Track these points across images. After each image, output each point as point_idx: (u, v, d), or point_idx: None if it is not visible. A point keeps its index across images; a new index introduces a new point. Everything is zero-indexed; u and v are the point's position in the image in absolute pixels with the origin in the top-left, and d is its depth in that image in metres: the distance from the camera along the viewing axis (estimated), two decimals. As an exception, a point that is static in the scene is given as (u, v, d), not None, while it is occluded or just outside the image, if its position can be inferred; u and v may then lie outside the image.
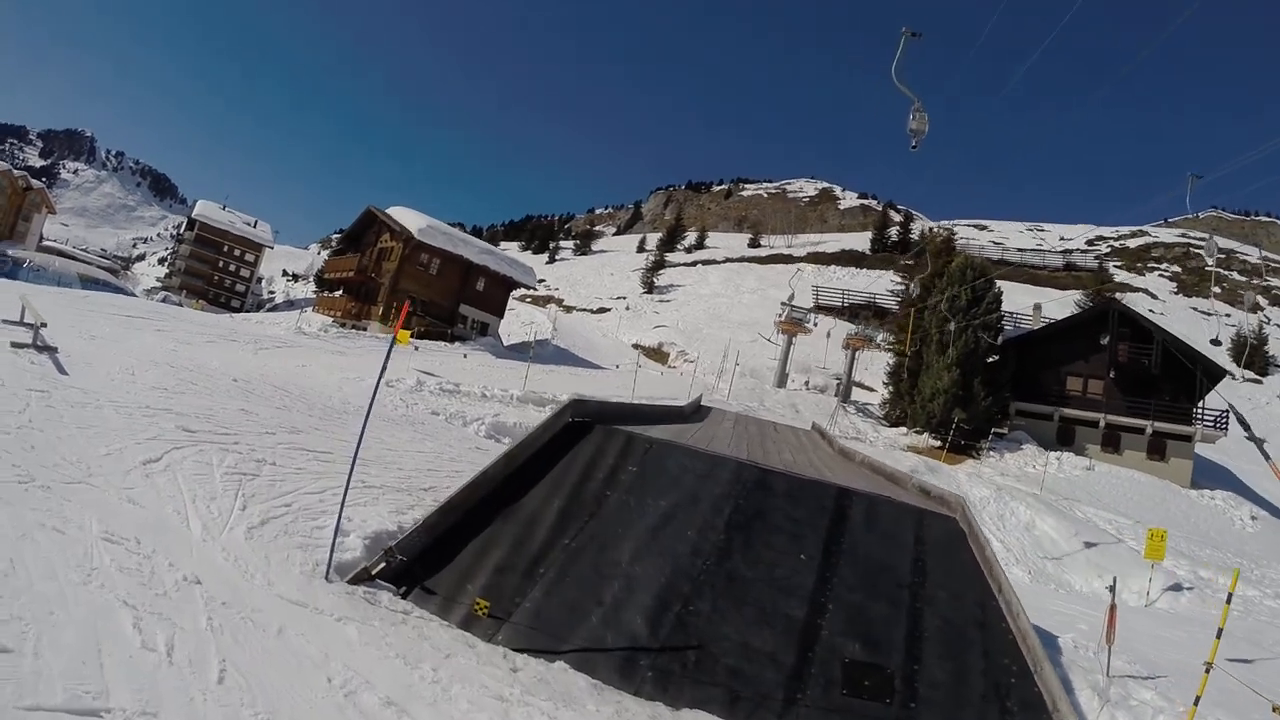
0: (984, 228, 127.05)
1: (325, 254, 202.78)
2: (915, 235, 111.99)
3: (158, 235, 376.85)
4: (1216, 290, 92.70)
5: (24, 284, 34.95)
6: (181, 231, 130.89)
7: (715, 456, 13.43)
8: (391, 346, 10.00)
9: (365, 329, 47.27)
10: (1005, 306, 44.02)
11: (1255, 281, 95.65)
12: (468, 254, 49.25)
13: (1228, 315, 78.87)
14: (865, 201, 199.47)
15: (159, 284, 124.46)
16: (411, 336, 40.85)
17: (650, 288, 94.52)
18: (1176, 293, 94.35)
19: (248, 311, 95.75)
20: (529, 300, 78.86)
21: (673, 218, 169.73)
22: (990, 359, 41.29)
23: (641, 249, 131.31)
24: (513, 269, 52.98)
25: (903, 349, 45.01)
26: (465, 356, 33.60)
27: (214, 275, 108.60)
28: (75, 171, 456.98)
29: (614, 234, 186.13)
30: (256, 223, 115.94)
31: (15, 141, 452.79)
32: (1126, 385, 41.19)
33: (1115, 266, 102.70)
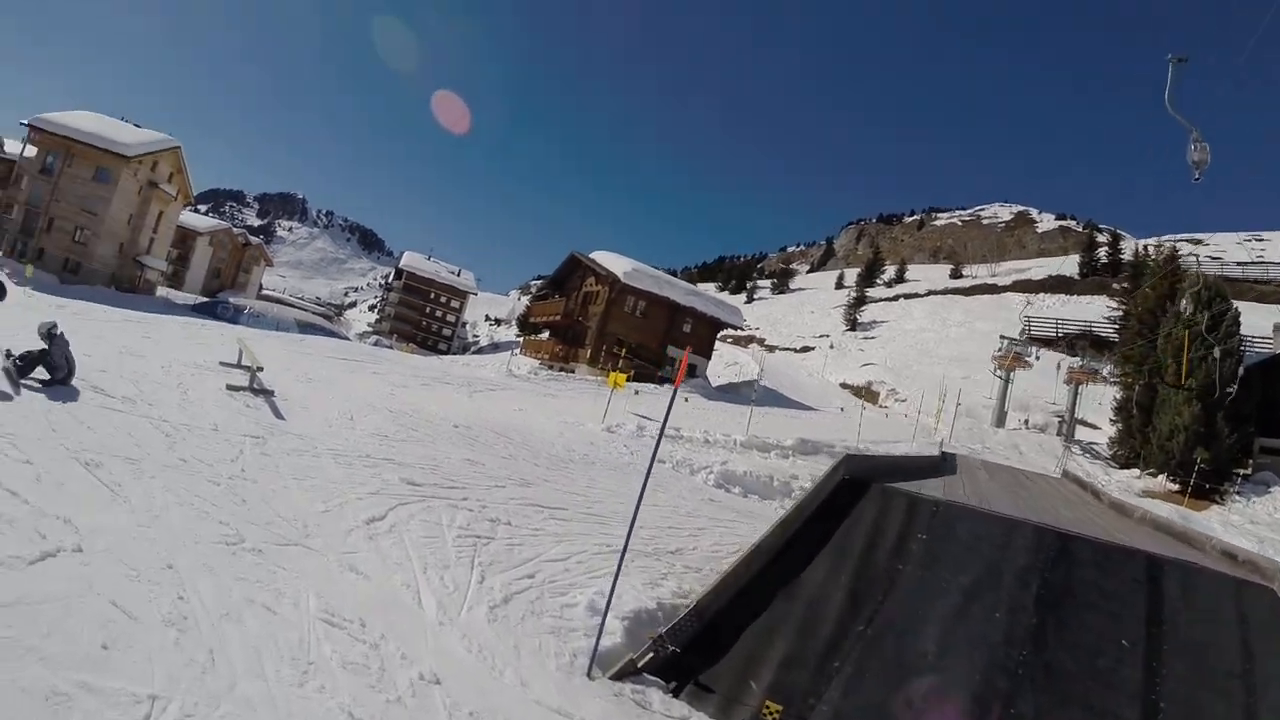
0: (1198, 241, 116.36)
1: (525, 299, 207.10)
2: (1126, 255, 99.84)
3: (366, 285, 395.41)
4: None
5: (245, 328, 35.45)
6: (390, 280, 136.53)
7: (1009, 520, 11.96)
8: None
9: (573, 371, 46.84)
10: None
11: None
12: (674, 295, 48.36)
13: None
14: (1064, 223, 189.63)
15: (370, 328, 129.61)
16: (620, 380, 40.11)
17: (853, 325, 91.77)
18: None
19: (454, 354, 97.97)
20: (730, 340, 77.07)
21: (867, 252, 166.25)
22: (1230, 389, 33.69)
23: (840, 285, 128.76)
24: (719, 310, 51.83)
25: (1130, 381, 40.85)
26: (686, 400, 32.18)
27: (421, 320, 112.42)
28: (290, 229, 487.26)
29: (807, 271, 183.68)
30: (460, 271, 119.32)
31: (235, 204, 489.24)
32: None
33: None
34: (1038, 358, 57.12)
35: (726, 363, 62.13)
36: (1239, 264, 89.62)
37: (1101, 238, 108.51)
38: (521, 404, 27.10)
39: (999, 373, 55.00)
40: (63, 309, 24.90)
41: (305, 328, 52.59)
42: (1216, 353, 32.86)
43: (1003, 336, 56.98)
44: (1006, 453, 40.17)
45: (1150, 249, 79.08)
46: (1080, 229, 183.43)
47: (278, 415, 13.64)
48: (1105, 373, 50.25)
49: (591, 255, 49.83)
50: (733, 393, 46.71)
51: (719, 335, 54.98)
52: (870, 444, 28.81)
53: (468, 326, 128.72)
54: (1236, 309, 35.38)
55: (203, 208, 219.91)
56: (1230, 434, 32.13)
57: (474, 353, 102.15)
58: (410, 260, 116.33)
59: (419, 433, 15.68)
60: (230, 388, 14.30)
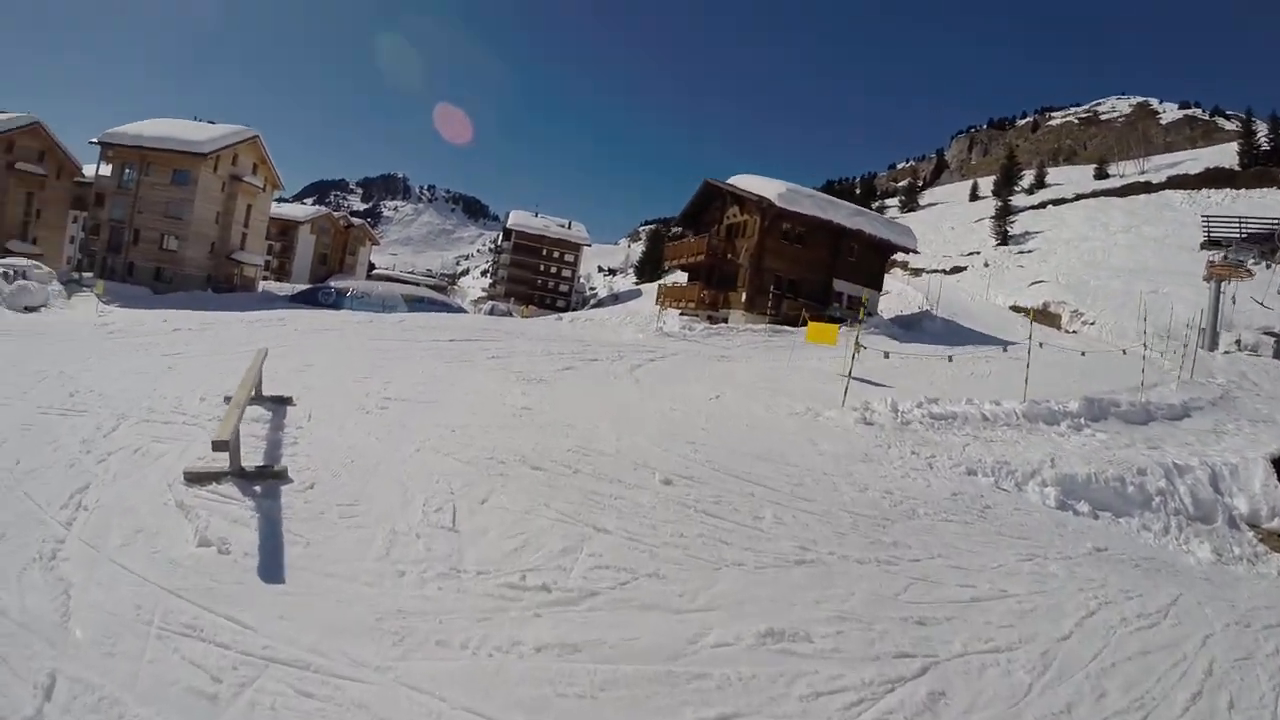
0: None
1: (636, 246, 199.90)
2: None
3: (477, 251, 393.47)
4: None
5: (346, 314, 30.82)
6: (500, 243, 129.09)
7: None
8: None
9: (726, 320, 38.27)
10: None
11: None
12: (837, 218, 39.18)
13: None
14: (1189, 111, 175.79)
15: (484, 293, 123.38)
16: (777, 319, 31.33)
17: (1004, 238, 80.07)
18: None
19: (574, 309, 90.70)
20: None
21: (982, 161, 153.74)
22: None
23: (975, 196, 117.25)
24: (890, 231, 42.42)
25: None
26: (886, 356, 22.59)
27: (536, 279, 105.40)
28: (395, 209, 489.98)
29: (921, 187, 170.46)
30: (570, 224, 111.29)
31: (339, 193, 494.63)
32: None
33: None
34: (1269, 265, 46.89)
35: (884, 293, 52.15)
36: None
37: (1261, 127, 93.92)
38: (705, 381, 18.94)
39: (1213, 285, 44.36)
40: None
41: (414, 303, 45.04)
42: None
43: (1210, 242, 45.93)
44: (1235, 379, 30.09)
45: None
46: (1207, 116, 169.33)
47: (267, 570, 5.93)
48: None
49: (730, 180, 41.23)
50: (913, 328, 38.38)
51: (889, 262, 45.63)
52: (1137, 393, 21.86)
53: (584, 280, 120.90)
54: None
55: (308, 201, 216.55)
56: None
57: (594, 306, 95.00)
58: (517, 219, 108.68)
59: (617, 536, 7.47)
60: (191, 479, 6.87)
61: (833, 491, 9.91)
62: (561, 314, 75.32)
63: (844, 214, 40.03)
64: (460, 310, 48.49)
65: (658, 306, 46.91)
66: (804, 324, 33.34)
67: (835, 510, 9.11)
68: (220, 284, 53.54)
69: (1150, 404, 20.50)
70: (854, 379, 19.89)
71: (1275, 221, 60.46)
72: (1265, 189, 77.24)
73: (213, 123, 56.63)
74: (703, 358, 23.98)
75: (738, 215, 40.25)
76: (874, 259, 42.74)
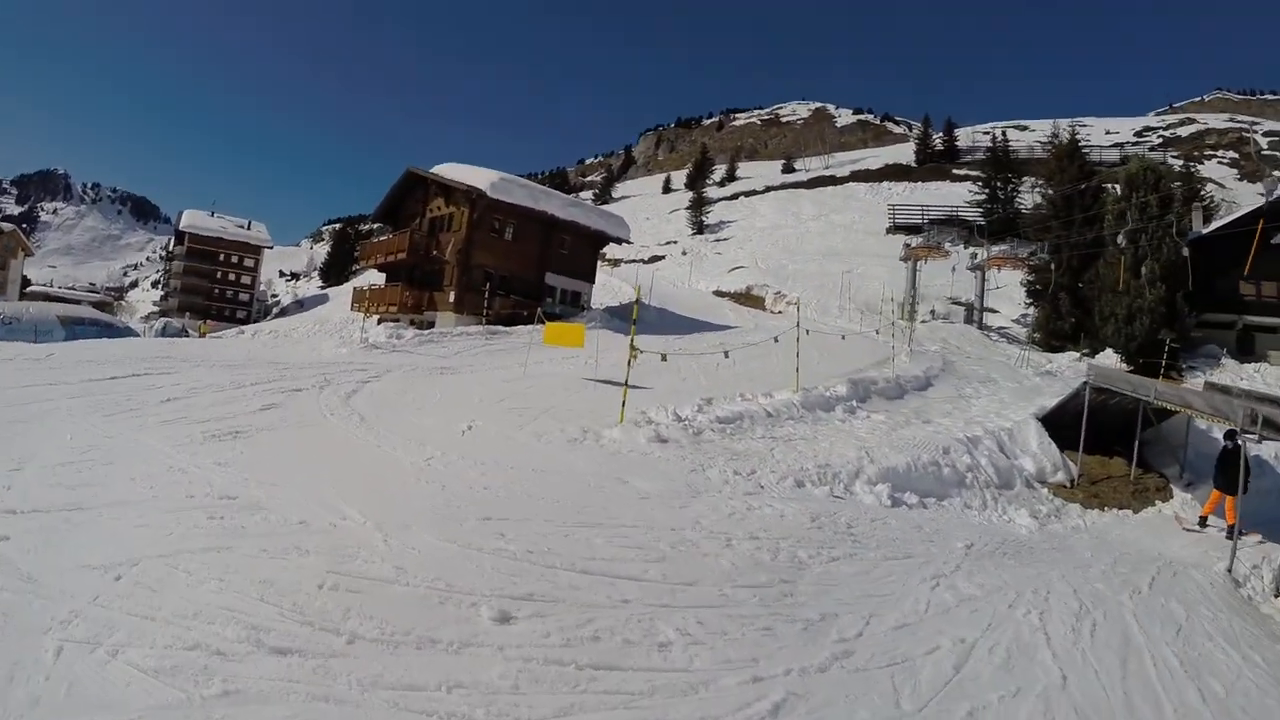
0: (1024, 128, 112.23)
1: (318, 247, 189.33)
2: (960, 143, 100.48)
3: (147, 259, 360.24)
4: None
5: None
6: (171, 248, 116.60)
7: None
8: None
9: (433, 323, 34.49)
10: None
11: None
12: (552, 208, 36.06)
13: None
14: (862, 117, 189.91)
15: (155, 308, 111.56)
16: (490, 320, 28.59)
17: (699, 228, 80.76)
18: (1240, 179, 79.39)
19: (257, 320, 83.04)
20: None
21: (669, 158, 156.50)
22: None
23: (668, 189, 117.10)
24: (605, 222, 39.73)
25: (1048, 266, 40.65)
26: (664, 359, 19.37)
27: (213, 289, 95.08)
28: (55, 211, 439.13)
29: (608, 181, 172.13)
30: (249, 224, 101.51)
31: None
32: (1307, 285, 35.59)
33: (1172, 157, 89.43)
34: (964, 247, 50.74)
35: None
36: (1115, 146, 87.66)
37: (923, 129, 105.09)
38: (442, 404, 15.72)
39: (910, 264, 48.01)
40: None
41: (73, 326, 37.87)
42: (1177, 234, 33.88)
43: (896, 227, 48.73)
44: (942, 347, 34.83)
45: (1058, 133, 71.75)
46: (878, 121, 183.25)
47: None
48: (1024, 256, 46.32)
49: (435, 169, 37.15)
50: (625, 317, 35.80)
51: (601, 254, 42.96)
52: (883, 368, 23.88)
53: (265, 287, 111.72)
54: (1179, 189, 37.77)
55: None
56: (1190, 313, 34.06)
57: (277, 315, 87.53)
58: (192, 219, 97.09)
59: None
60: None
61: (702, 559, 7.69)
62: (243, 327, 68.36)
63: (557, 204, 37.02)
64: (128, 331, 41.54)
65: (356, 313, 42.31)
66: (526, 323, 30.75)
67: (728, 590, 6.98)
68: None
69: (900, 379, 21.91)
70: (603, 382, 18.56)
71: (951, 209, 65.56)
72: (939, 181, 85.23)
73: None
74: (423, 371, 20.27)
75: (443, 208, 36.24)
76: (586, 251, 40.05)
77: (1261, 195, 38.14)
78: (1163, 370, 28.76)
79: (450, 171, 35.61)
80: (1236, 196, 68.69)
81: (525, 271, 36.25)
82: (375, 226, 49.09)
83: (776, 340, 22.78)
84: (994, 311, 45.88)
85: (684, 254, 70.72)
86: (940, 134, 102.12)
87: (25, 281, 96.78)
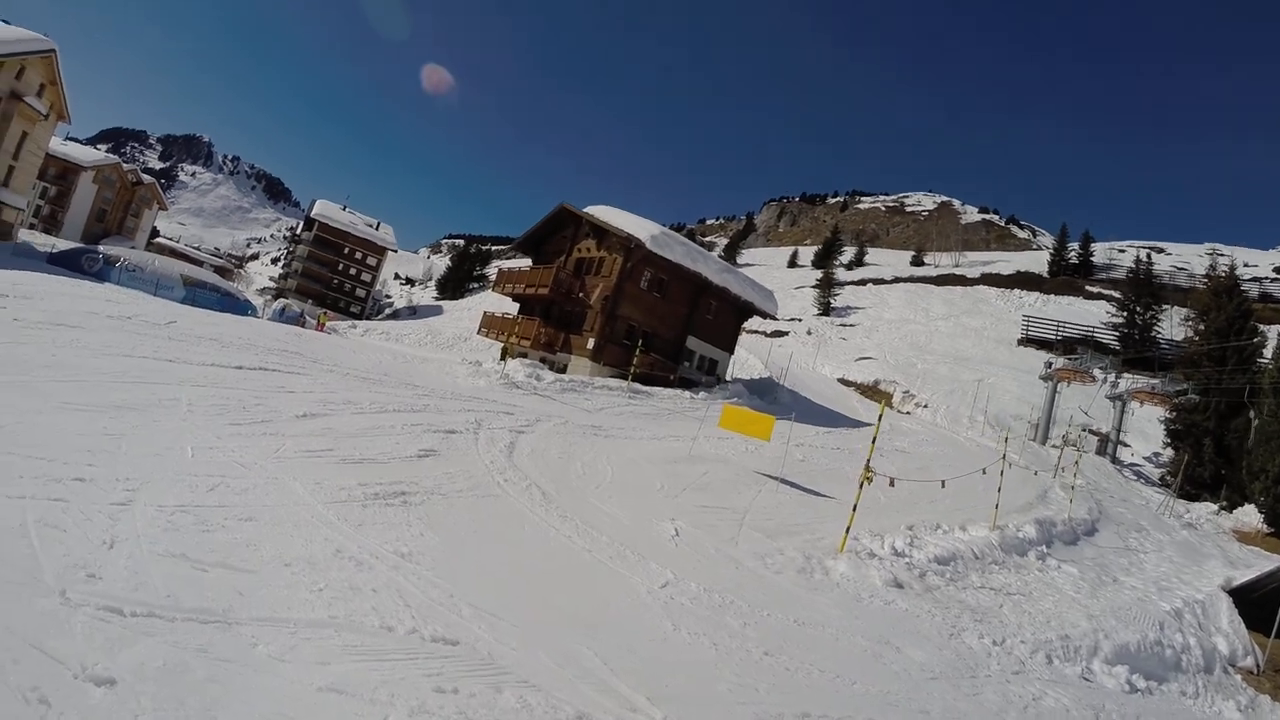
0: (1160, 250, 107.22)
1: (435, 259, 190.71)
2: (1097, 258, 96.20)
3: (270, 236, 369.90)
4: None
5: (109, 289, 25.06)
6: (298, 232, 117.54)
7: None
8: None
9: (565, 366, 32.59)
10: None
11: None
12: (706, 271, 33.80)
13: None
14: (987, 216, 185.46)
15: (273, 284, 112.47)
16: (632, 377, 26.76)
17: (826, 309, 77.96)
18: None
19: (369, 318, 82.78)
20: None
21: (790, 230, 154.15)
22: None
23: (794, 264, 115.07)
24: (754, 293, 37.31)
25: (1195, 407, 37.78)
26: (892, 485, 16.92)
27: (333, 279, 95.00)
28: (193, 174, 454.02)
29: (725, 246, 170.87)
30: (379, 224, 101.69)
31: (136, 145, 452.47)
32: None
33: None
34: (1114, 378, 45.88)
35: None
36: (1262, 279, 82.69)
37: (1059, 240, 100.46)
38: (626, 492, 13.41)
39: (1050, 384, 44.75)
40: None
41: (194, 288, 36.84)
42: None
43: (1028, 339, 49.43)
44: (1110, 486, 32.35)
45: (1208, 267, 67.70)
46: (1003, 223, 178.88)
47: None
48: (1167, 392, 41.72)
49: (590, 210, 34.98)
50: (765, 396, 34.36)
51: (742, 326, 40.52)
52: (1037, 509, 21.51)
53: (381, 287, 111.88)
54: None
55: (103, 147, 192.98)
56: None
57: (388, 316, 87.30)
58: (324, 209, 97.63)
59: None
60: None
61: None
62: (356, 322, 67.72)
63: (713, 268, 34.71)
64: (247, 306, 40.30)
65: (480, 336, 40.51)
66: (665, 385, 30.16)
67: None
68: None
69: (1072, 521, 20.61)
70: (780, 481, 17.21)
71: (1087, 328, 62.20)
72: (1071, 296, 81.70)
73: (7, 22, 44.72)
74: (575, 429, 18.12)
75: (592, 250, 34.29)
76: (730, 319, 37.67)
77: None
78: None
79: (607, 215, 33.56)
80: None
81: (668, 331, 34.04)
82: (496, 249, 47.27)
83: (984, 472, 20.20)
84: (1126, 446, 43.04)
85: (809, 334, 68.10)
86: (1076, 246, 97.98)
87: (154, 232, 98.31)
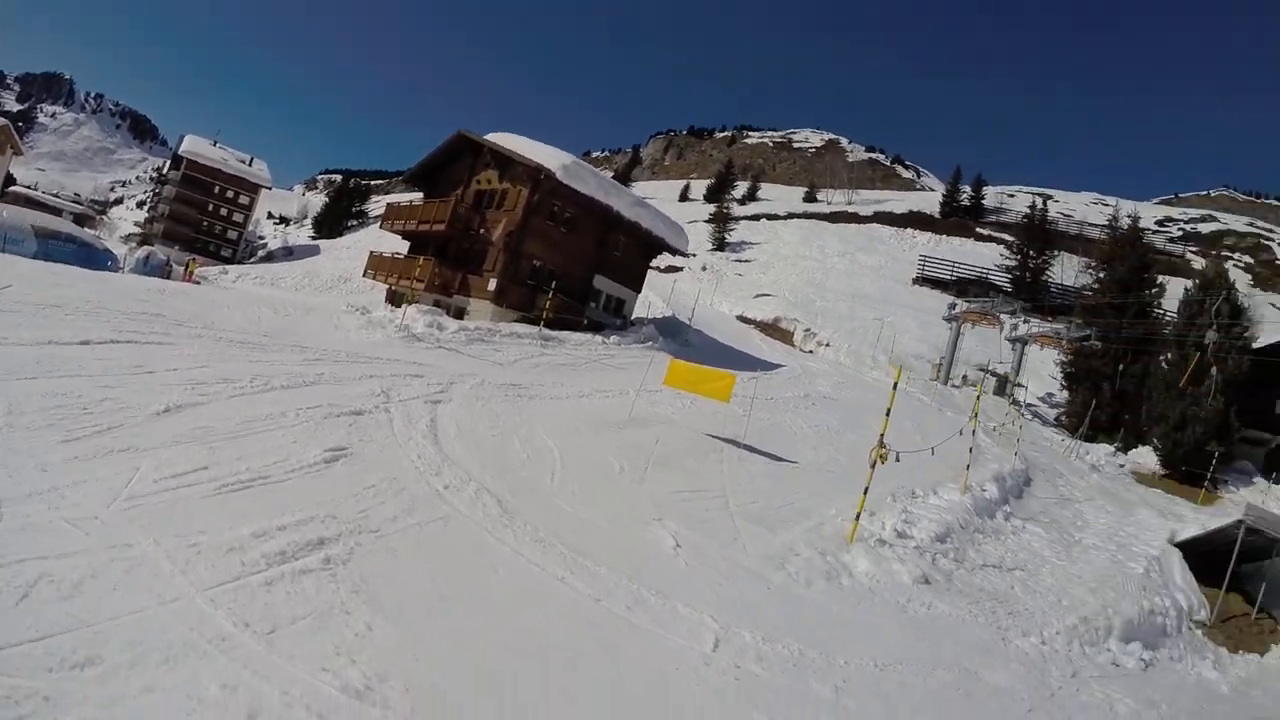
0: (1050, 197, 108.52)
1: (311, 195, 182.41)
2: (987, 202, 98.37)
3: (137, 178, 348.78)
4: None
5: None
6: (165, 171, 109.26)
7: None
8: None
9: (463, 310, 29.47)
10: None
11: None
12: (620, 205, 31.28)
13: (1322, 316, 68.17)
14: (873, 155, 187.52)
15: (138, 229, 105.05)
16: (544, 321, 26.02)
17: (721, 244, 75.97)
18: (1254, 285, 75.24)
19: (240, 262, 77.43)
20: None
21: (676, 164, 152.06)
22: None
23: (685, 198, 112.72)
24: (666, 229, 34.77)
25: (1095, 352, 38.75)
26: (898, 459, 15.00)
27: (202, 221, 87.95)
28: (53, 115, 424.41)
29: (611, 177, 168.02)
30: (251, 160, 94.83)
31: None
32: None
33: (1191, 252, 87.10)
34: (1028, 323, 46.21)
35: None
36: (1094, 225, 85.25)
37: (952, 182, 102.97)
38: (587, 479, 11.17)
39: (954, 326, 44.80)
40: None
41: (46, 240, 32.16)
42: (1242, 356, 32.20)
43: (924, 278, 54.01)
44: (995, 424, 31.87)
45: (1121, 216, 68.30)
46: (888, 163, 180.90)
47: None
48: (1066, 338, 42.69)
49: (493, 137, 31.79)
50: (676, 340, 32.35)
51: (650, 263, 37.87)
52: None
53: (254, 228, 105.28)
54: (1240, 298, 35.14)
55: None
56: (1240, 428, 31.93)
57: (262, 259, 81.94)
58: (193, 145, 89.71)
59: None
60: None
61: None
62: (227, 267, 63.10)
63: (625, 201, 32.05)
64: (107, 258, 35.33)
65: (367, 279, 36.87)
66: (576, 329, 28.31)
67: None
68: None
69: (1015, 473, 20.57)
70: (740, 445, 15.53)
71: (981, 270, 62.36)
72: (962, 237, 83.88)
73: None
74: (494, 389, 15.59)
75: (494, 182, 31.09)
76: (639, 257, 35.24)
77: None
78: (1207, 483, 27.81)
79: (513, 144, 30.38)
80: (1250, 304, 65.77)
81: (576, 270, 31.30)
82: (375, 184, 43.35)
83: (961, 434, 18.83)
84: (1022, 387, 42.91)
85: (704, 270, 65.96)
86: (968, 189, 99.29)
87: (9, 180, 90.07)
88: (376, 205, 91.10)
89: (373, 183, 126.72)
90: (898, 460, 12.84)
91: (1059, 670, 9.46)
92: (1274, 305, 71.16)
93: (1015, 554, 14.06)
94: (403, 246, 37.76)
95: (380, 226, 39.16)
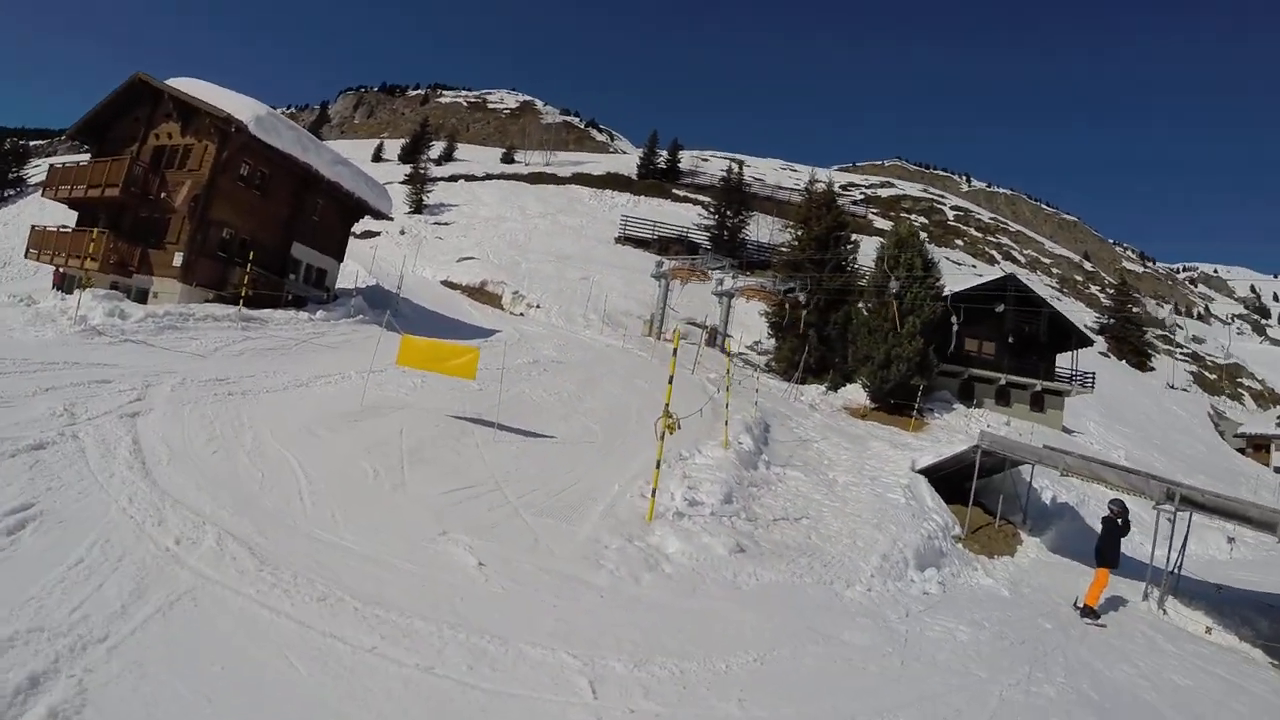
0: (742, 162, 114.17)
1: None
2: (682, 165, 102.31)
3: None
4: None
5: None
6: None
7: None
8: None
9: (147, 291, 25.87)
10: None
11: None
12: (318, 164, 28.62)
13: (974, 266, 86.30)
14: (568, 118, 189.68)
15: None
16: (243, 298, 24.56)
17: (418, 206, 72.88)
18: (930, 243, 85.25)
19: None
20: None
21: (366, 123, 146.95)
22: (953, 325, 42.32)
23: (379, 158, 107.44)
24: (369, 190, 32.38)
25: (799, 303, 40.69)
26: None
27: None
28: None
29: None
30: None
31: None
32: (1017, 348, 43.22)
33: (872, 213, 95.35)
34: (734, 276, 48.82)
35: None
36: (781, 188, 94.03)
37: (649, 146, 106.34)
38: (343, 494, 9.76)
39: (663, 283, 46.39)
40: None
41: None
42: (936, 302, 36.15)
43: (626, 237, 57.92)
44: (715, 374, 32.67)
45: (815, 180, 71.99)
46: (583, 126, 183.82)
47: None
48: (772, 289, 44.61)
49: (174, 82, 27.38)
50: (384, 309, 29.42)
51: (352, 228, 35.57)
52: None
53: None
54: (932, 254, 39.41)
55: None
56: (938, 364, 37.35)
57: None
58: None
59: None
60: None
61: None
62: None
63: (325, 159, 29.34)
64: None
65: (33, 261, 31.79)
66: (276, 306, 26.03)
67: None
68: None
69: (758, 422, 21.41)
70: (489, 424, 14.89)
71: (681, 229, 65.01)
72: (659, 198, 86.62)
73: None
74: (199, 389, 13.47)
75: (176, 137, 27.15)
76: (339, 221, 32.74)
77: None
78: (915, 412, 33.08)
79: (198, 90, 26.64)
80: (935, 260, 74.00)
81: (271, 237, 28.30)
82: (36, 144, 37.34)
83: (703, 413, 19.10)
84: (730, 337, 44.82)
85: (403, 233, 63.33)
86: (665, 153, 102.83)
87: None
88: (38, 170, 79.72)
89: (33, 143, 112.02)
90: (680, 429, 12.35)
91: (894, 614, 10.07)
92: (948, 259, 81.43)
93: (793, 502, 14.68)
94: (71, 218, 32.46)
95: (42, 194, 33.78)
